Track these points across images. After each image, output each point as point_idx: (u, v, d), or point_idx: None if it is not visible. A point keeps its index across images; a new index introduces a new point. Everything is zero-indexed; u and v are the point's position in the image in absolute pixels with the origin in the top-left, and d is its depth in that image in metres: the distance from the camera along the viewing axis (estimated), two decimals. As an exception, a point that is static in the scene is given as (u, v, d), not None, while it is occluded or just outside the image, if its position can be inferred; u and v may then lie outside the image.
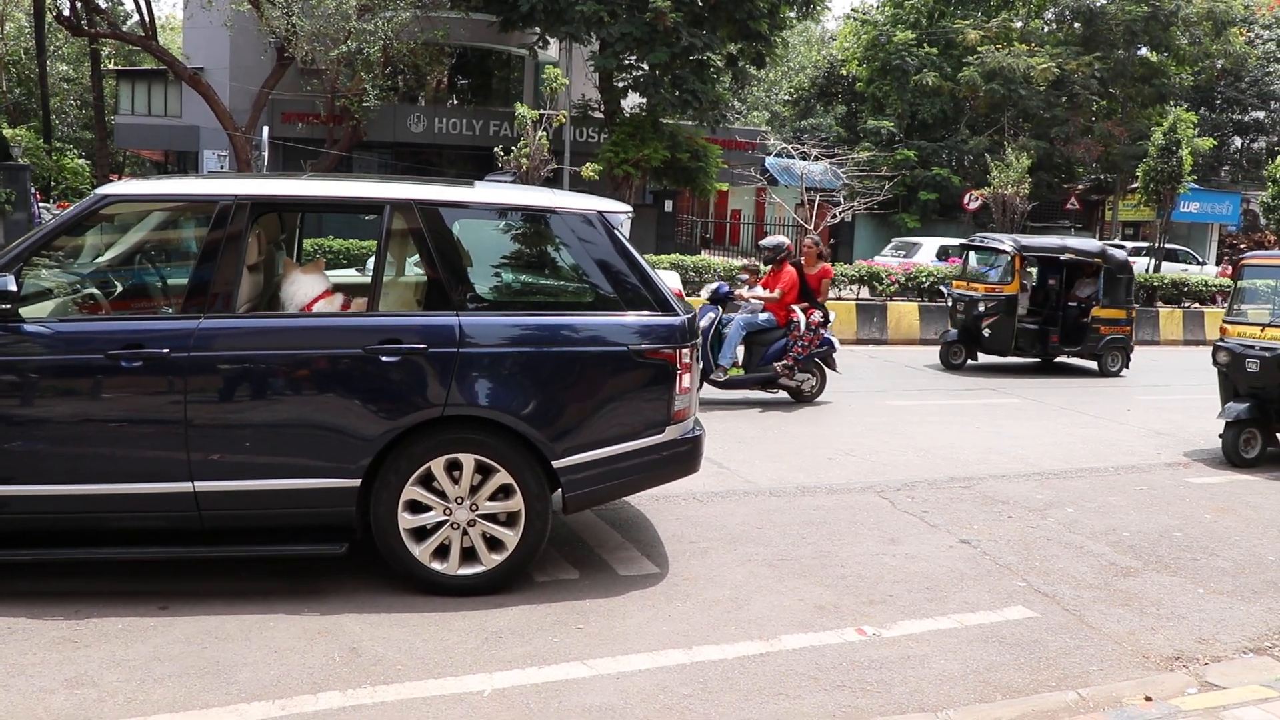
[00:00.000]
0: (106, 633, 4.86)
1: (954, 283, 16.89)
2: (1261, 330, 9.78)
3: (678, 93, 26.49)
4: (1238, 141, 46.30)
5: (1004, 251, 15.87)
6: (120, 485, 5.16)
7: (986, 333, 15.68)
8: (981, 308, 15.61)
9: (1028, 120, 36.40)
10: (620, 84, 28.13)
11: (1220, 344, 10.08)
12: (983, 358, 16.44)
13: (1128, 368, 16.42)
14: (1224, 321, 10.34)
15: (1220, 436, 9.91)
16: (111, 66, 41.34)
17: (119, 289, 6.49)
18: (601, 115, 29.26)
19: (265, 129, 24.89)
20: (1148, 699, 4.68)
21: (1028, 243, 16.20)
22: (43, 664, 4.54)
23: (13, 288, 5.02)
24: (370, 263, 9.28)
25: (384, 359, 5.26)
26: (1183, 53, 37.56)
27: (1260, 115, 44.68)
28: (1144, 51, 37.78)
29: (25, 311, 5.23)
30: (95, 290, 6.38)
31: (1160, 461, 9.87)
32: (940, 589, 6.00)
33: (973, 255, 17.04)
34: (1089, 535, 7.19)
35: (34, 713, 4.13)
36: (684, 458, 5.81)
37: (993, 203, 29.27)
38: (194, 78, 27.13)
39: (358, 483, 5.27)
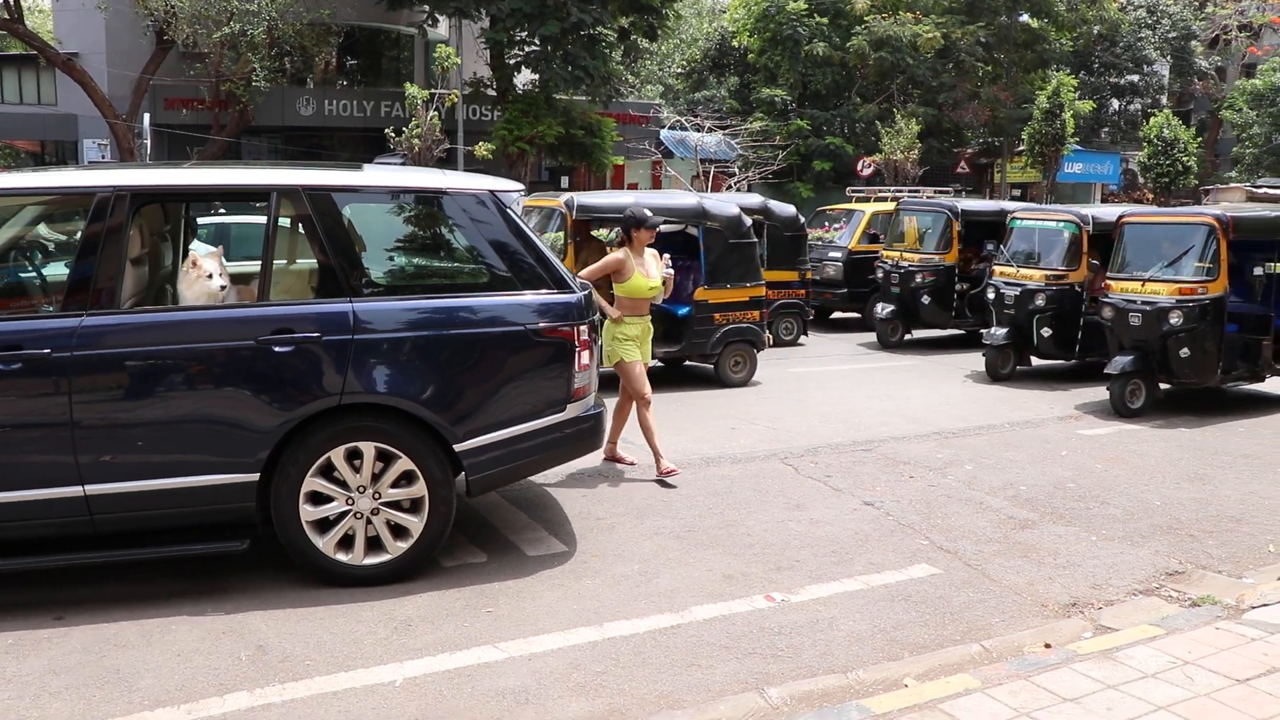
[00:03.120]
0: (-3, 647, 4.70)
1: (883, 252, 15.66)
2: (1142, 285, 10.11)
3: (570, 68, 26.34)
4: (1115, 104, 47.72)
5: (943, 214, 15.08)
6: (5, 493, 4.97)
7: (926, 300, 14.76)
8: (919, 279, 14.71)
9: (916, 87, 36.96)
10: (512, 61, 27.85)
11: (1104, 299, 10.41)
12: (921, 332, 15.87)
13: None
14: (1107, 278, 10.67)
15: (1107, 389, 10.23)
16: (-22, 54, 39.63)
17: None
18: (494, 93, 28.95)
19: (146, 116, 24.15)
20: (1047, 646, 4.83)
21: (968, 206, 15.56)
22: (-71, 683, 4.36)
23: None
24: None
25: (277, 349, 5.15)
26: (1061, 18, 38.55)
27: (1135, 78, 46.14)
28: (1025, 18, 38.63)
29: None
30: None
31: (1053, 416, 10.17)
32: (846, 552, 6.11)
33: (906, 219, 15.79)
34: (988, 491, 7.38)
35: (-77, 733, 3.98)
36: (586, 435, 5.81)
37: (885, 169, 29.72)
38: (67, 63, 26.14)
39: (256, 477, 5.16)
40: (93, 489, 5.01)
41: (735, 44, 40.28)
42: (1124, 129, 46.85)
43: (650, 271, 7.63)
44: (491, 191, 5.68)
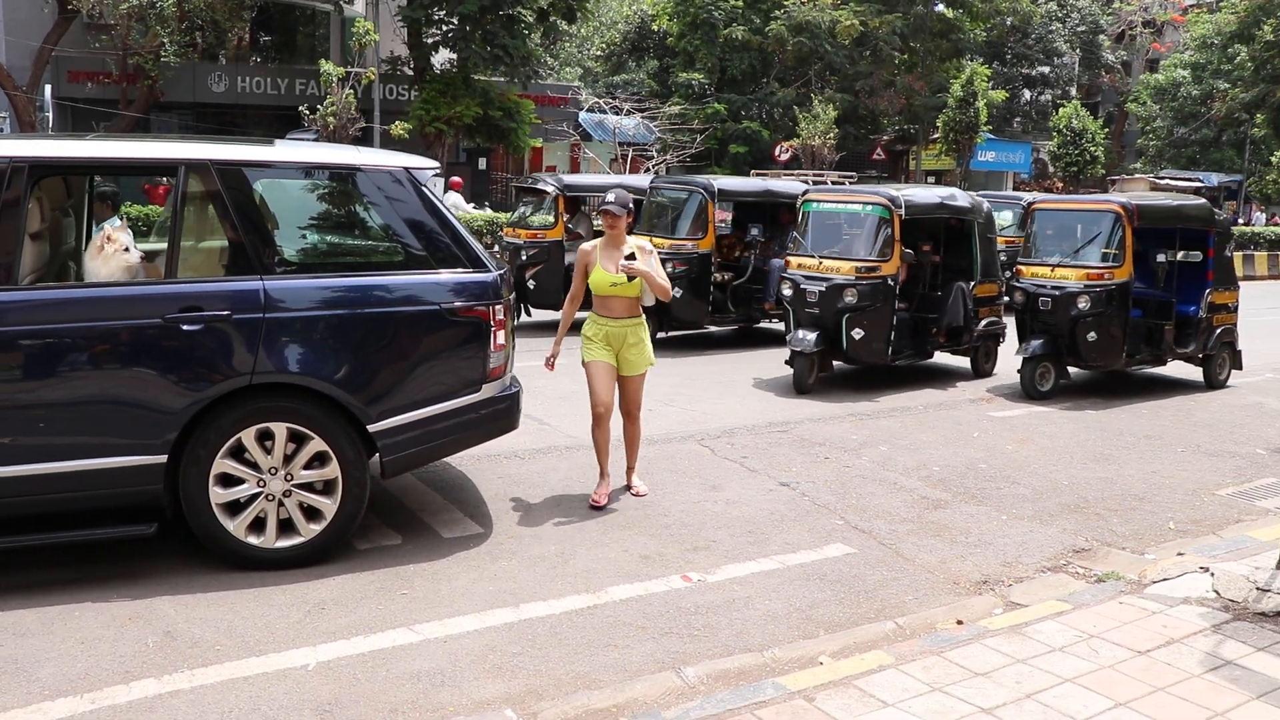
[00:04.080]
0: (-114, 636, 4.52)
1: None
2: (1051, 270, 10.33)
3: (489, 48, 26.08)
4: (1027, 94, 48.74)
5: (697, 194, 13.05)
6: (-105, 477, 4.78)
7: (677, 293, 12.53)
8: (668, 269, 11.60)
9: (834, 74, 37.33)
10: (430, 40, 27.48)
11: (1015, 284, 10.62)
12: None
13: None
14: (1018, 263, 10.88)
15: (1018, 372, 10.45)
16: None
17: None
18: (411, 72, 28.56)
19: (48, 88, 23.32)
20: (959, 622, 4.92)
21: (726, 185, 13.76)
22: None
23: None
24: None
25: (185, 328, 5.02)
26: (976, 9, 39.25)
27: (1046, 70, 47.14)
28: (941, 8, 39.23)
29: None
30: None
31: (965, 398, 10.36)
32: (761, 532, 6.15)
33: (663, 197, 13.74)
34: (902, 471, 7.49)
35: None
36: (502, 415, 5.77)
37: (802, 154, 29.97)
38: (-37, 35, 25.17)
39: (164, 459, 5.03)
40: (-10, 472, 4.83)
41: (654, 27, 40.28)
42: (1035, 119, 47.86)
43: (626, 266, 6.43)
44: (406, 169, 5.59)
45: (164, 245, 5.46)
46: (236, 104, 30.42)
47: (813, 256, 10.54)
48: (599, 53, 44.87)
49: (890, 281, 10.22)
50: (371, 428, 5.28)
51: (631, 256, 6.27)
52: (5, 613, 4.76)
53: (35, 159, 5.12)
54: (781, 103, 35.76)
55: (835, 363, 10.93)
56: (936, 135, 36.96)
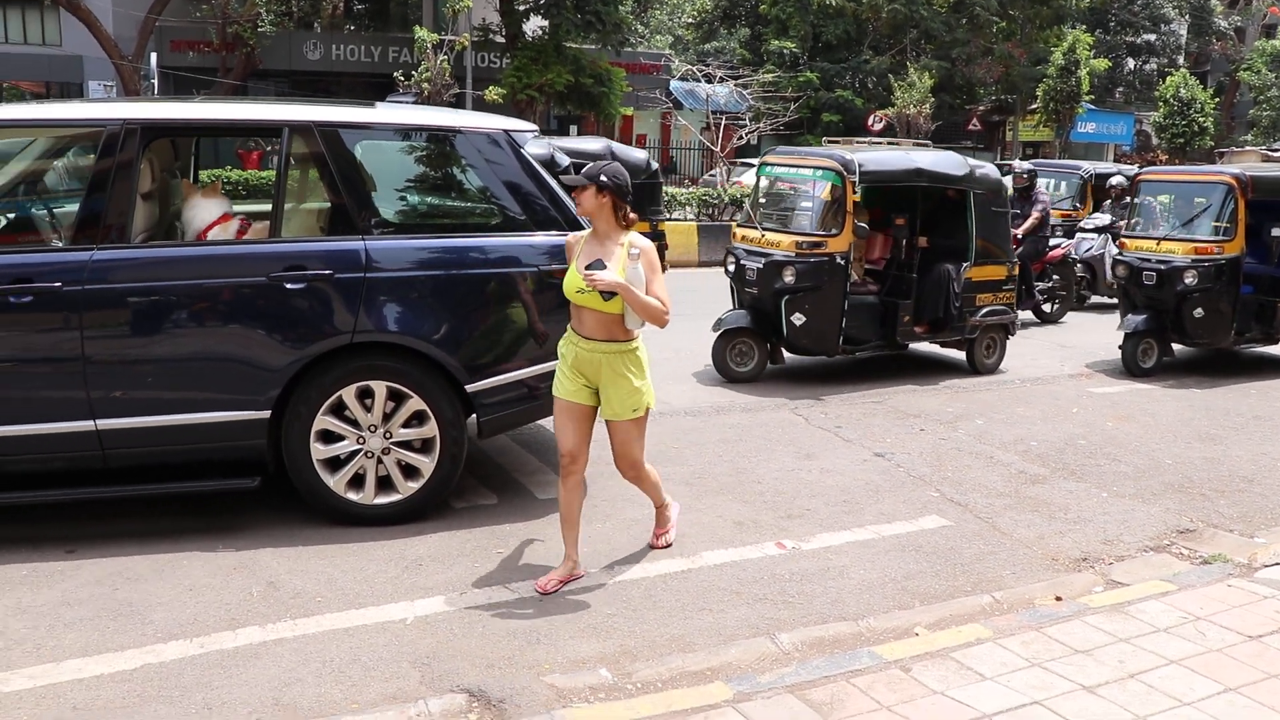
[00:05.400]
0: (11, 580, 4.69)
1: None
2: (1157, 244, 10.02)
3: (581, 15, 26.05)
4: (1131, 63, 47.24)
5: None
6: (17, 426, 4.95)
7: None
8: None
9: (929, 41, 36.60)
10: (522, 7, 27.55)
11: (1119, 258, 10.32)
12: None
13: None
14: (1122, 236, 10.57)
15: (1120, 347, 10.17)
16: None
17: (2, 222, 6.19)
18: (503, 40, 28.67)
19: (154, 56, 23.91)
20: (1058, 599, 4.82)
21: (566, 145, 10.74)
22: (-57, 613, 4.37)
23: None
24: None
25: (288, 286, 5.11)
26: (1079, -27, 38.07)
27: (1152, 38, 45.61)
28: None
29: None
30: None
31: (1064, 373, 10.12)
32: (856, 501, 6.09)
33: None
34: (998, 445, 7.35)
35: (-64, 662, 3.98)
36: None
37: (897, 123, 29.48)
38: (72, 3, 25.86)
39: (267, 414, 5.14)
40: (104, 424, 5.00)
41: (747, -6, 39.87)
42: (1139, 89, 46.39)
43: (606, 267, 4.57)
44: (506, 131, 5.61)
45: (268, 206, 5.57)
46: (331, 71, 30.91)
47: (756, 228, 9.36)
48: (690, 20, 44.55)
49: (839, 260, 8.78)
50: (469, 387, 5.33)
51: (635, 258, 4.59)
52: (120, 558, 4.93)
53: (147, 121, 5.25)
54: (875, 71, 35.19)
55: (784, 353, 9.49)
56: (1035, 105, 36.05)
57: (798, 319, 8.86)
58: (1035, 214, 12.41)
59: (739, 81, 27.73)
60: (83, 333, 4.95)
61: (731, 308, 9.49)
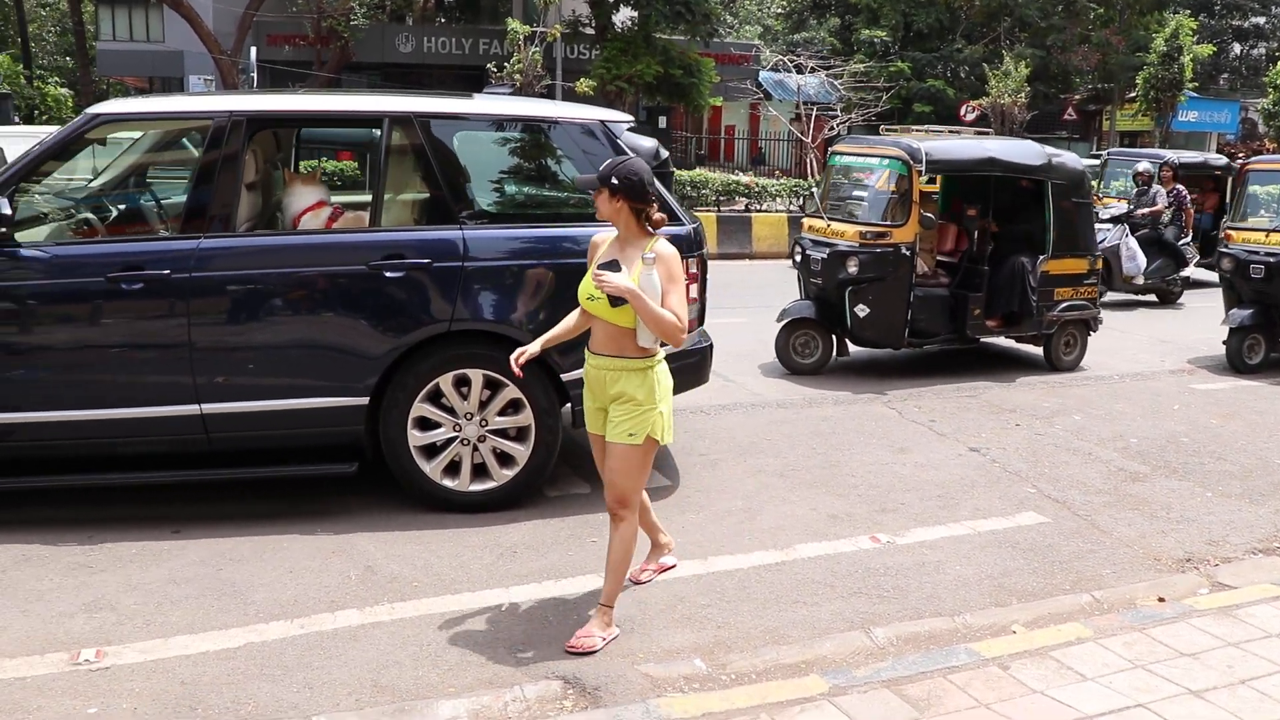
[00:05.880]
0: (121, 557, 4.85)
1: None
2: (1266, 236, 9.69)
3: (670, 6, 25.97)
4: (1237, 48, 45.74)
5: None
6: (126, 409, 5.12)
7: None
8: None
9: (1024, 29, 35.82)
10: (611, -1, 27.59)
11: (1224, 250, 10.00)
12: None
13: None
14: (1227, 227, 10.24)
15: (1224, 343, 9.86)
16: (90, -10, 40.51)
17: (114, 212, 6.39)
18: (592, 31, 28.74)
19: (253, 50, 24.48)
20: (1161, 600, 4.71)
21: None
22: (60, 589, 4.53)
23: (7, 210, 4.93)
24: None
25: (388, 275, 5.19)
26: (1183, -44, 36.96)
27: (1260, 21, 44.09)
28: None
29: (20, 236, 5.14)
30: (90, 214, 6.28)
31: (1165, 369, 9.85)
32: (951, 496, 6.01)
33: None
34: (1097, 441, 7.19)
35: (55, 636, 4.13)
36: (694, 369, 5.78)
37: (991, 113, 28.93)
38: (176, 1, 26.57)
39: (366, 401, 5.23)
40: (209, 408, 5.13)
41: (837, -17, 39.46)
42: (1245, 75, 44.91)
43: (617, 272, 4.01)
44: (602, 122, 5.63)
45: (368, 196, 5.66)
46: (422, 64, 31.30)
47: (822, 218, 9.15)
48: (779, 10, 44.24)
49: (904, 250, 8.63)
50: (565, 377, 5.36)
51: (650, 264, 4.02)
52: (223, 539, 5.06)
53: (252, 113, 5.37)
54: (968, 60, 34.55)
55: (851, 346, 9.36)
56: (1134, 94, 35.05)
57: (861, 310, 8.72)
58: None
59: (829, 72, 27.46)
60: (189, 319, 5.09)
61: (798, 298, 9.39)
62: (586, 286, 4.10)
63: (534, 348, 4.27)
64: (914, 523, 5.59)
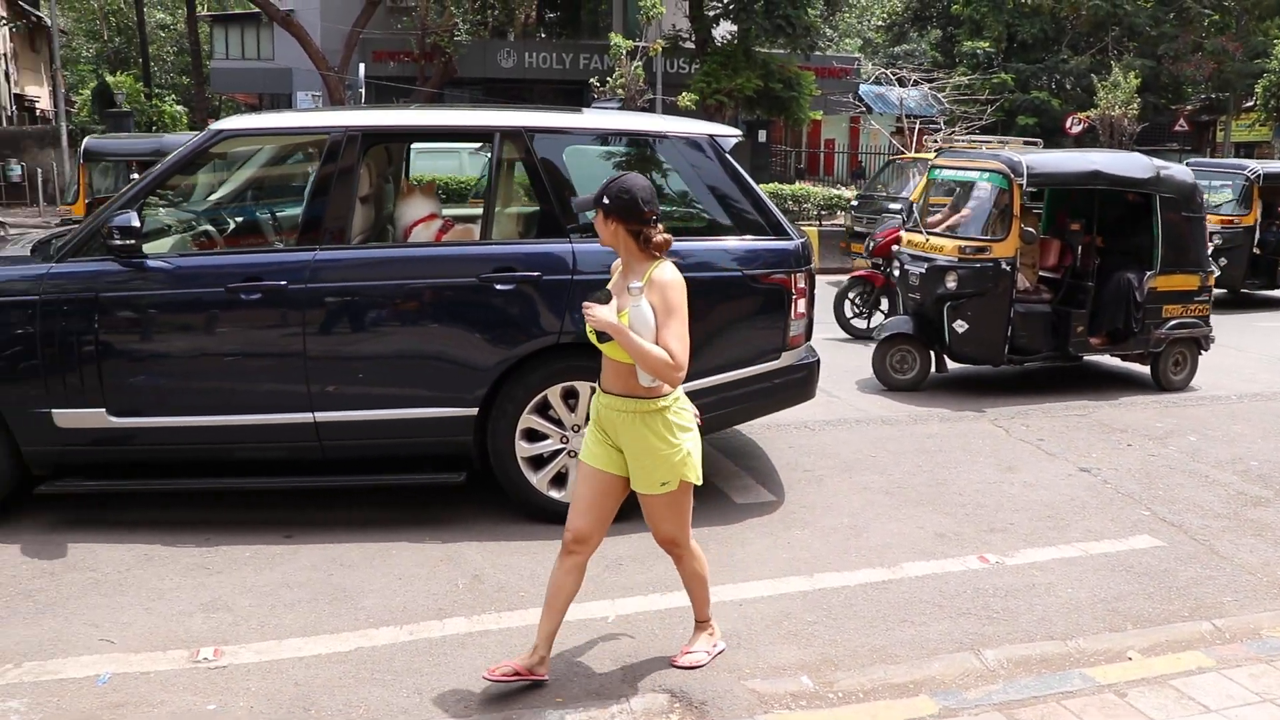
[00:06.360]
0: (236, 559, 4.99)
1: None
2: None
3: (770, 20, 25.94)
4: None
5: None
6: (244, 416, 5.27)
7: None
8: None
9: (1133, 38, 34.96)
10: (711, 12, 27.65)
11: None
12: None
13: None
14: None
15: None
16: (205, 12, 41.92)
17: (232, 225, 6.59)
18: (692, 45, 28.84)
19: (362, 66, 25.07)
20: (1288, 630, 4.53)
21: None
22: (180, 588, 4.68)
23: (136, 223, 5.09)
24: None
25: (498, 288, 5.26)
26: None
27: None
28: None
29: (146, 248, 5.32)
30: (209, 226, 6.49)
31: (1286, 389, 9.50)
32: (1061, 517, 5.87)
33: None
34: (1214, 464, 6.96)
35: (175, 634, 4.26)
36: (800, 384, 5.75)
37: (1100, 125, 28.27)
38: (286, 19, 27.33)
39: (474, 412, 5.30)
40: (323, 416, 5.25)
41: (939, -6, 38.99)
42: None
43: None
44: (711, 136, 5.64)
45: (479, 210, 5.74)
46: (524, 79, 31.74)
47: (920, 233, 9.05)
48: (880, 22, 43.86)
49: (1004, 265, 8.48)
50: (674, 391, 5.36)
51: (636, 294, 3.67)
52: (334, 545, 5.17)
53: (367, 127, 5.49)
54: (1074, 71, 33.86)
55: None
56: (1252, 103, 33.97)
57: (960, 326, 8.59)
58: None
59: (931, 84, 27.13)
60: (304, 329, 5.21)
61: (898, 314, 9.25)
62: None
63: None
64: (1023, 543, 5.47)
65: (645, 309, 3.61)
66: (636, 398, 3.73)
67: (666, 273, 3.71)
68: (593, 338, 3.77)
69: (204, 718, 3.69)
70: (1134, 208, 9.22)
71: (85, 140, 9.80)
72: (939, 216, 9.34)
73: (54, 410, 5.16)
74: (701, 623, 4.15)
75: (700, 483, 3.91)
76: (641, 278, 3.69)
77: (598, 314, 3.60)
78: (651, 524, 3.97)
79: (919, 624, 4.51)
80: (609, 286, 3.84)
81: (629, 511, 5.46)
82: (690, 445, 3.80)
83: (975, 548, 5.38)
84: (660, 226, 3.75)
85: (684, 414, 3.83)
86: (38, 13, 41.49)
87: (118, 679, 3.93)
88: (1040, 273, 9.46)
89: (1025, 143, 15.28)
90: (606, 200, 3.70)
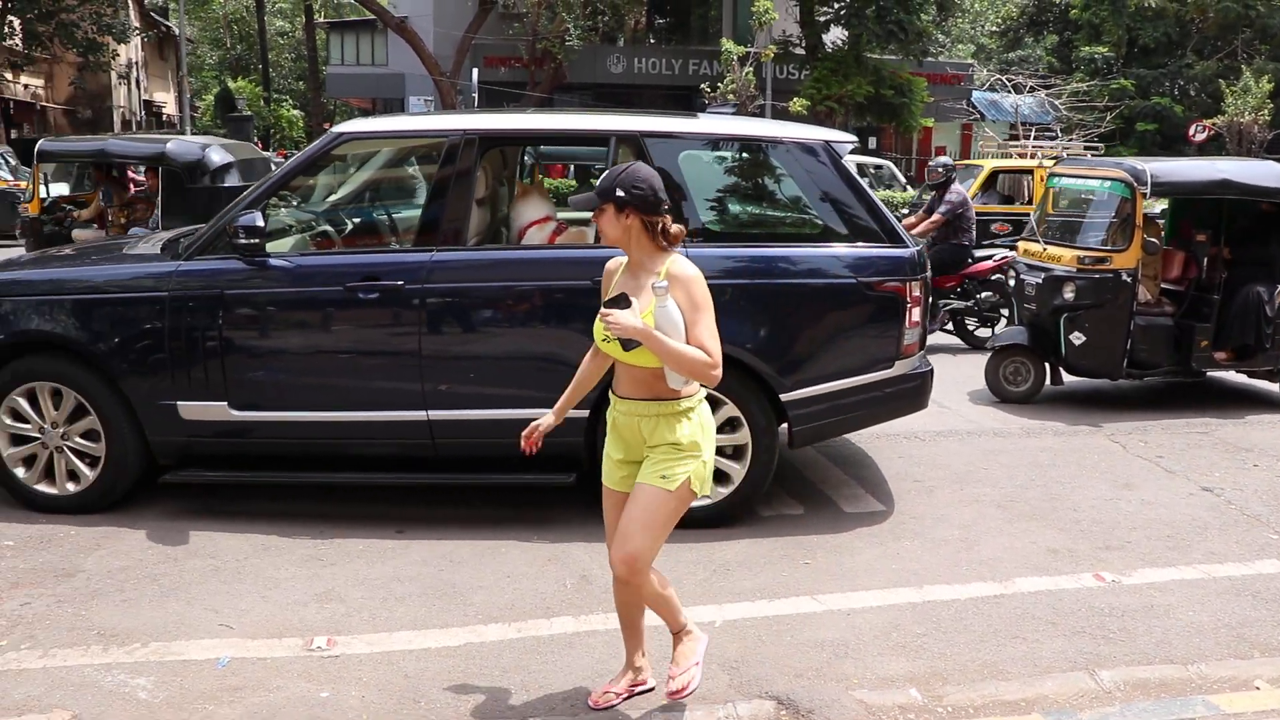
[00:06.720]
0: (349, 552, 5.10)
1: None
2: None
3: (882, 25, 25.68)
4: None
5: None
6: (360, 413, 5.39)
7: None
8: None
9: (1265, 41, 33.73)
10: (822, 18, 27.48)
11: None
12: None
13: None
14: None
15: None
16: (322, 19, 43.05)
17: (350, 225, 6.75)
18: (802, 51, 28.68)
19: (475, 71, 25.46)
20: None
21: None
22: (295, 579, 4.81)
23: (260, 223, 5.24)
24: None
25: None
26: None
27: None
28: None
29: (269, 247, 5.47)
30: (328, 226, 6.65)
31: None
32: (1182, 537, 5.68)
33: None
34: (1349, 487, 6.67)
35: (290, 622, 4.38)
36: (912, 394, 5.67)
37: (1227, 132, 27.32)
38: (400, 26, 27.94)
39: (586, 414, 5.32)
40: (436, 414, 5.34)
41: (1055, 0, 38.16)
42: None
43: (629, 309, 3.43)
44: (826, 142, 5.60)
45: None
46: (633, 84, 31.90)
47: (1038, 242, 8.89)
48: (994, 28, 43.09)
49: (1125, 277, 8.14)
50: (784, 396, 5.34)
51: (662, 293, 3.42)
52: (445, 541, 5.26)
53: (485, 131, 5.58)
54: (1199, 76, 32.83)
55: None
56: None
57: (1077, 338, 8.32)
58: (937, 214, 10.61)
59: (1048, 91, 26.55)
60: (420, 328, 5.31)
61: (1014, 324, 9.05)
62: (600, 326, 3.51)
63: (548, 420, 3.89)
64: (1141, 562, 5.30)
65: (672, 308, 3.40)
66: (662, 400, 3.52)
67: (686, 267, 3.49)
68: (609, 348, 3.53)
69: (317, 704, 3.79)
70: (1265, 218, 8.84)
71: (39, 142, 10.08)
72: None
73: (179, 402, 5.36)
74: (677, 634, 3.86)
75: (701, 494, 3.66)
76: (656, 274, 3.46)
77: (623, 320, 3.32)
78: (620, 537, 3.61)
79: (1031, 641, 4.40)
80: (610, 288, 3.63)
81: (739, 518, 5.48)
82: (707, 456, 3.59)
83: (1090, 565, 5.24)
84: (670, 216, 3.54)
85: (709, 421, 3.63)
86: (167, 23, 43.11)
87: (236, 663, 4.06)
88: (1163, 285, 9.18)
89: (1085, 147, 14.88)
90: (621, 193, 3.42)
